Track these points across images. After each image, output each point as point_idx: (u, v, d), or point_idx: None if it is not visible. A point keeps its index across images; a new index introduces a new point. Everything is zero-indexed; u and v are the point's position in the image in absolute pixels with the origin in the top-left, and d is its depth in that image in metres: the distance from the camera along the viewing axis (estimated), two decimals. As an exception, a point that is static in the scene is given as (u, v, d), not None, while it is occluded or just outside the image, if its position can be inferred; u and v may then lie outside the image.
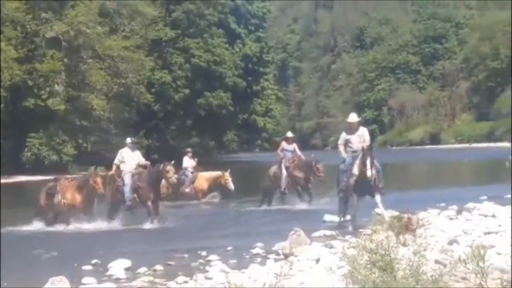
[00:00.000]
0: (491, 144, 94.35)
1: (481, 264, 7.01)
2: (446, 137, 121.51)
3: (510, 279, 7.70)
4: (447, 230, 14.15)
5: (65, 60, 57.77)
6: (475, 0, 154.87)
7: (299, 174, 23.73)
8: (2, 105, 53.88)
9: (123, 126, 66.43)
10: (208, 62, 79.52)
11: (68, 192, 20.38)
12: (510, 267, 8.62)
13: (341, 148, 17.54)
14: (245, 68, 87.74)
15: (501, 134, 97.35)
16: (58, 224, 20.26)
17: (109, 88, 60.90)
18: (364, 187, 16.65)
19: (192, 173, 27.56)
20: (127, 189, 20.20)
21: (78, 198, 20.16)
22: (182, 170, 26.60)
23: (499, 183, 27.05)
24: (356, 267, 7.89)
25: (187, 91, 77.80)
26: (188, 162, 27.87)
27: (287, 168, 23.94)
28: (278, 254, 13.07)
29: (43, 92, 56.41)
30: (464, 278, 7.57)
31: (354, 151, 17.11)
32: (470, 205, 18.10)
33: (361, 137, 17.34)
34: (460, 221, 16.09)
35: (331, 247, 13.10)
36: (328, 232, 15.51)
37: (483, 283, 6.97)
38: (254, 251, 13.73)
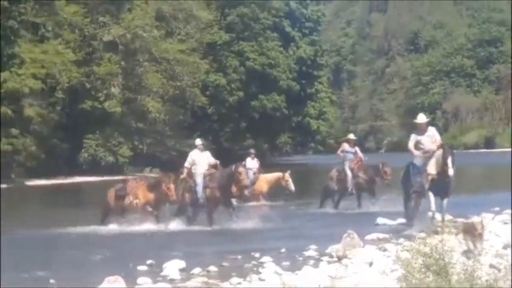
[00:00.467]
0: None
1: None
2: (501, 141, 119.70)
3: None
4: (501, 234, 14.00)
5: (122, 63, 58.50)
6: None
7: (363, 176, 23.62)
8: (59, 107, 54.63)
9: (178, 128, 66.98)
10: (262, 65, 79.65)
11: (140, 192, 20.42)
12: None
13: (413, 149, 17.08)
14: (299, 71, 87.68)
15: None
16: (127, 224, 20.21)
17: (164, 91, 61.45)
18: (441, 187, 16.22)
19: (254, 174, 27.34)
20: (199, 189, 20.16)
21: (150, 198, 20.25)
22: None
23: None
24: (410, 270, 7.92)
25: (241, 93, 78.01)
26: (251, 163, 27.62)
27: (351, 169, 23.74)
28: (331, 256, 13.09)
29: (100, 94, 57.18)
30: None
31: (425, 152, 16.76)
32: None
33: (432, 137, 17.03)
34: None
35: (385, 250, 13.09)
36: (381, 235, 15.49)
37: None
38: (308, 253, 13.77)
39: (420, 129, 17.27)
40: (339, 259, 12.59)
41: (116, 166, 56.35)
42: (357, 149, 24.48)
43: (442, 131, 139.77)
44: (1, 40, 49.42)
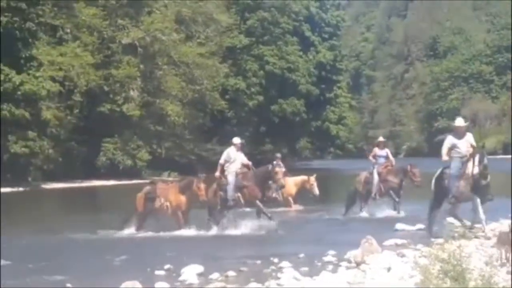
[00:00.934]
0: None
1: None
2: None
3: None
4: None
5: (141, 66, 58.48)
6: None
7: (393, 179, 23.20)
8: (77, 110, 54.69)
9: (197, 132, 67.03)
10: (282, 69, 79.76)
11: (171, 195, 20.00)
12: None
13: (445, 151, 16.55)
14: (319, 75, 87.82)
15: None
16: (156, 228, 19.85)
17: (183, 94, 61.45)
18: (480, 190, 15.91)
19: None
20: (230, 188, 19.88)
21: (182, 200, 19.79)
22: None
23: None
24: (428, 276, 7.93)
25: (261, 97, 78.07)
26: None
27: (379, 174, 23.41)
28: (350, 262, 13.06)
29: (118, 97, 57.08)
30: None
31: (462, 156, 16.34)
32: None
33: (468, 142, 16.57)
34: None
35: (403, 256, 13.06)
36: (399, 241, 15.44)
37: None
38: (326, 258, 13.73)
39: (458, 133, 16.82)
40: (357, 264, 12.58)
41: (134, 169, 56.28)
42: (387, 151, 24.30)
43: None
44: (19, 42, 49.59)
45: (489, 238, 14.82)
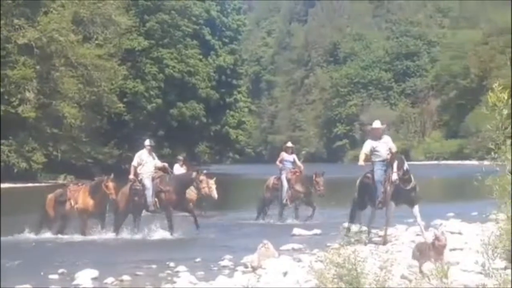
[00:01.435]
0: (460, 162, 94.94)
1: (444, 280, 7.10)
2: (415, 153, 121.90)
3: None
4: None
5: (37, 67, 57.34)
6: (448, 19, 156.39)
7: (300, 188, 22.76)
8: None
9: (94, 135, 66.04)
10: (181, 73, 79.52)
11: (79, 197, 19.56)
12: (474, 284, 8.71)
13: (363, 156, 16.04)
14: (219, 80, 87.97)
15: (470, 152, 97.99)
16: (66, 232, 19.60)
17: (81, 96, 60.54)
18: (402, 195, 15.42)
19: None
20: (149, 193, 19.42)
21: (90, 203, 19.33)
22: None
23: (466, 201, 27.19)
24: (323, 281, 7.96)
25: (159, 101, 77.66)
26: (179, 170, 25.70)
27: (288, 180, 23.01)
28: (246, 266, 13.05)
29: (14, 99, 55.88)
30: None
31: (383, 160, 15.87)
32: (437, 221, 18.19)
33: (387, 145, 16.14)
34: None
35: (299, 260, 13.13)
36: (296, 246, 15.54)
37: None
38: (223, 263, 13.72)
39: (375, 135, 16.43)
40: (254, 269, 12.56)
41: (30, 172, 55.24)
42: (294, 157, 23.77)
43: (359, 142, 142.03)
44: None
45: (384, 243, 15.00)
